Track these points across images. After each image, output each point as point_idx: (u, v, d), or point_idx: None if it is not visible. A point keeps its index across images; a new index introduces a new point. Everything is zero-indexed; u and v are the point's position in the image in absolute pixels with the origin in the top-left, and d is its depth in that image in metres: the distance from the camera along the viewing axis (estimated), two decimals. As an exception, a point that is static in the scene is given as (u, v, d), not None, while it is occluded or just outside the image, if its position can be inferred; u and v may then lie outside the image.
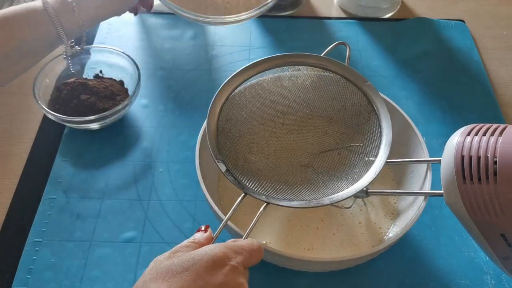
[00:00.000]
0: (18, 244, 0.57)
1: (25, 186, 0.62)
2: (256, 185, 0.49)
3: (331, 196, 0.48)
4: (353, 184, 0.48)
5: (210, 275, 0.37)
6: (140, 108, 0.71)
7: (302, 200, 0.48)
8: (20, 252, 0.56)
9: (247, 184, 0.48)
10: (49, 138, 0.67)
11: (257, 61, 0.55)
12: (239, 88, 0.53)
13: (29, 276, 0.54)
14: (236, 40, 0.79)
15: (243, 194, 0.47)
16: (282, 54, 0.55)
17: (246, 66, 0.54)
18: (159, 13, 0.85)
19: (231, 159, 0.50)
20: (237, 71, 0.54)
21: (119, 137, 0.68)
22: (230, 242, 0.41)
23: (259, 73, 0.55)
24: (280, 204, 0.47)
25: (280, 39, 0.82)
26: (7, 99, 0.73)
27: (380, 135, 0.51)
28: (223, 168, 0.48)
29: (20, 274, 0.54)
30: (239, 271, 0.38)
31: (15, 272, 0.54)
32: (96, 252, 0.56)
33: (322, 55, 0.55)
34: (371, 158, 0.50)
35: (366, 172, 0.49)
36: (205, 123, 0.57)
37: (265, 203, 0.46)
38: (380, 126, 0.52)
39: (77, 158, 0.65)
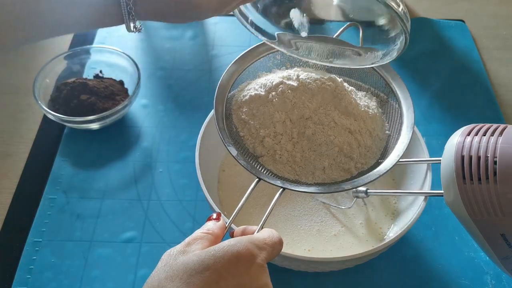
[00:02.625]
0: (18, 244, 0.57)
1: (25, 186, 0.62)
2: (268, 171, 0.46)
3: (353, 181, 0.45)
4: (375, 167, 0.46)
5: (233, 275, 0.33)
6: (140, 108, 0.71)
7: (321, 185, 0.45)
8: (20, 252, 0.56)
9: (260, 169, 0.46)
10: (49, 138, 0.67)
11: (259, 44, 0.52)
12: (247, 71, 0.51)
13: (29, 276, 0.54)
14: (236, 40, 0.79)
15: (257, 179, 0.44)
16: (293, 35, 0.52)
17: (255, 46, 0.52)
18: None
19: (240, 145, 0.48)
20: (245, 52, 0.51)
21: (119, 137, 0.68)
22: (252, 236, 0.37)
23: (268, 54, 0.52)
24: (297, 189, 0.44)
25: (280, 39, 0.82)
26: (7, 99, 0.73)
27: (401, 117, 0.49)
28: (233, 152, 0.45)
29: (20, 274, 0.54)
30: (264, 269, 0.35)
31: (15, 272, 0.54)
32: (96, 252, 0.56)
33: (334, 37, 0.53)
34: (389, 143, 0.48)
35: (388, 156, 0.47)
36: (206, 122, 0.57)
37: (281, 189, 0.43)
38: (400, 107, 0.50)
39: (77, 158, 0.65)
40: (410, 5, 0.90)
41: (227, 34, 0.82)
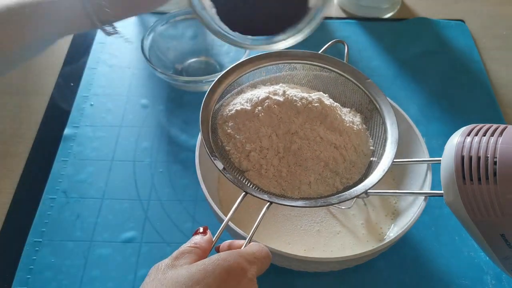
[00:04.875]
0: (18, 244, 0.57)
1: (25, 186, 0.62)
2: (254, 186, 0.46)
3: (340, 195, 0.46)
4: (360, 183, 0.47)
5: None
6: (140, 108, 0.71)
7: (308, 199, 0.46)
8: (20, 252, 0.56)
9: (246, 183, 0.46)
10: (49, 138, 0.67)
11: (251, 58, 0.53)
12: (232, 86, 0.52)
13: (29, 276, 0.54)
14: (236, 40, 0.79)
15: (243, 193, 0.44)
16: (277, 51, 0.54)
17: (239, 63, 0.53)
18: (159, 13, 0.85)
19: (226, 159, 0.48)
20: (229, 68, 0.52)
21: (119, 137, 0.68)
22: (242, 250, 0.37)
23: (253, 70, 0.53)
24: (284, 203, 0.44)
25: (280, 39, 0.82)
26: (7, 99, 0.73)
27: (385, 133, 0.49)
28: (220, 165, 0.46)
29: (20, 274, 0.54)
30: (254, 284, 0.35)
31: (15, 272, 0.54)
32: (96, 252, 0.56)
33: (319, 52, 0.54)
34: (374, 159, 0.49)
35: (373, 171, 0.47)
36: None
37: (268, 203, 0.43)
38: (384, 123, 0.50)
39: (77, 158, 0.65)
40: (410, 5, 0.90)
41: (227, 34, 0.82)
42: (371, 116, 0.52)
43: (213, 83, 0.51)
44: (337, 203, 0.45)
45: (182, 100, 0.73)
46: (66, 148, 0.66)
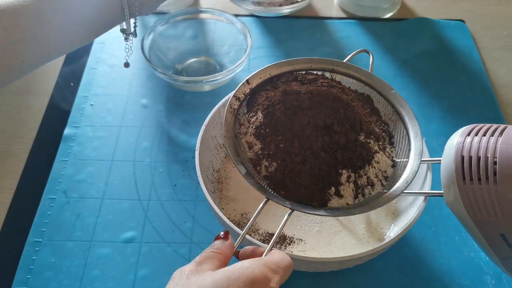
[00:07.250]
0: (18, 244, 0.57)
1: (25, 186, 0.62)
2: (276, 192, 0.46)
3: (363, 206, 0.45)
4: (383, 194, 0.46)
5: None
6: (140, 108, 0.71)
7: (331, 209, 0.45)
8: (20, 252, 0.56)
9: (268, 189, 0.45)
10: (49, 138, 0.67)
11: (276, 64, 0.53)
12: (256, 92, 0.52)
13: (29, 276, 0.54)
14: (236, 40, 0.79)
15: (265, 199, 0.44)
16: (303, 58, 0.53)
17: (263, 69, 0.52)
18: (159, 13, 0.85)
19: (249, 164, 0.47)
20: (253, 74, 0.52)
21: (119, 137, 0.68)
22: (266, 258, 0.37)
23: (277, 75, 0.53)
24: (306, 211, 0.43)
25: (280, 39, 0.82)
26: (7, 99, 0.73)
27: (409, 144, 0.50)
28: (242, 170, 0.45)
29: (20, 274, 0.54)
30: None
31: (15, 272, 0.54)
32: (96, 252, 0.56)
33: (344, 61, 0.54)
34: (397, 170, 0.49)
35: (396, 183, 0.47)
36: (206, 122, 0.57)
37: (290, 210, 0.43)
38: (407, 135, 0.50)
39: (77, 158, 0.65)
40: (410, 5, 0.90)
41: (227, 34, 0.82)
42: (395, 127, 0.52)
43: (237, 88, 0.51)
44: (359, 213, 0.45)
45: (182, 100, 0.73)
46: (66, 148, 0.66)
